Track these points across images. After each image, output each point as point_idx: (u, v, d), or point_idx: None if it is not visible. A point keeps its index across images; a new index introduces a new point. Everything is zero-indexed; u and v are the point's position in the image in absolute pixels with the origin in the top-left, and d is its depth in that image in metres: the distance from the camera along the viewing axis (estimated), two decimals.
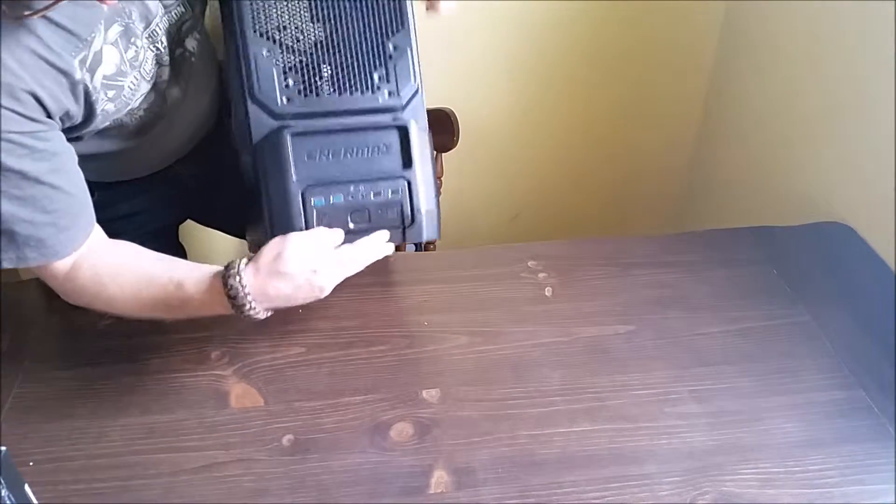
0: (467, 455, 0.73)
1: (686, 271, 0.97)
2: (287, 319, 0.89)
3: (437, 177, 1.31)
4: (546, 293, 0.93)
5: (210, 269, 0.74)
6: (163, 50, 0.77)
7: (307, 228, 0.77)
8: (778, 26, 1.26)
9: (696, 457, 0.73)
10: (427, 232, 0.81)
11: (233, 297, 0.71)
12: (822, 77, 1.15)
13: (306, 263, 0.73)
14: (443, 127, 1.22)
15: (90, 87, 0.70)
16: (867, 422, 0.77)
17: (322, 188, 0.76)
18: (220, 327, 0.87)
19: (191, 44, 0.81)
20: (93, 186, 0.77)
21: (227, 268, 0.73)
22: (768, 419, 0.77)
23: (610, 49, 1.45)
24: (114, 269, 0.75)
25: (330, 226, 0.78)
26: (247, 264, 0.73)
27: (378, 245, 0.81)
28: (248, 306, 0.72)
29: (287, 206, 0.75)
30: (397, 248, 1.38)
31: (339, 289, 0.93)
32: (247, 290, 0.71)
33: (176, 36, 0.79)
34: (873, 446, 0.74)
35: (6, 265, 0.71)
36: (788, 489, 0.70)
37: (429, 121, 0.82)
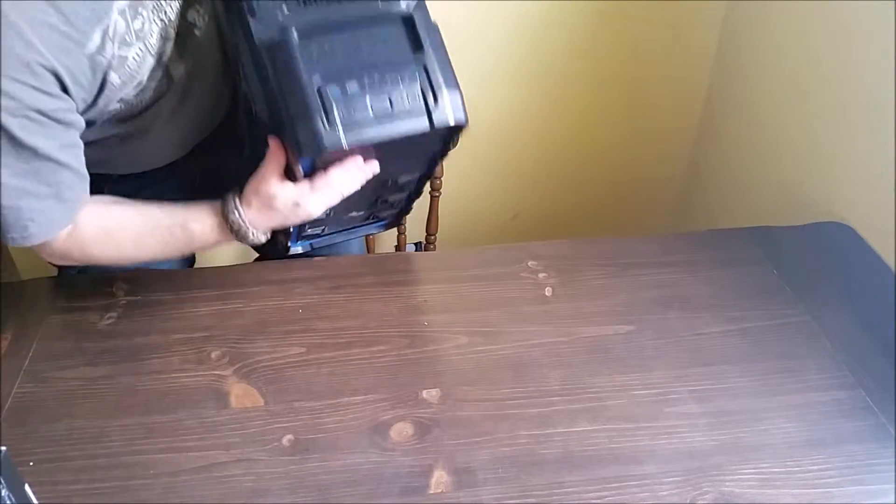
0: (467, 455, 0.73)
1: (686, 271, 0.97)
2: (287, 319, 0.89)
3: (437, 177, 1.32)
4: (546, 293, 0.93)
5: (209, 209, 0.82)
6: (167, 22, 0.77)
7: (328, 121, 0.74)
8: (778, 26, 1.26)
9: (696, 457, 0.73)
10: (454, 113, 0.78)
11: (237, 231, 0.81)
12: (822, 77, 1.15)
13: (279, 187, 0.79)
14: None
15: (108, 58, 0.71)
16: (867, 422, 0.77)
17: (337, 81, 0.75)
18: (220, 327, 0.88)
19: (192, 15, 0.81)
20: (102, 180, 0.78)
21: (224, 205, 0.81)
22: (768, 419, 0.77)
23: (610, 49, 1.45)
24: (120, 221, 0.81)
25: (351, 114, 0.75)
26: (241, 201, 0.81)
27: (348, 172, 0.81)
28: (251, 236, 0.82)
29: (305, 104, 0.73)
30: (397, 248, 1.39)
31: (339, 288, 0.94)
32: (248, 224, 0.81)
33: (181, 8, 0.79)
34: (873, 446, 0.74)
35: (12, 244, 0.73)
36: (788, 489, 0.70)
37: None
